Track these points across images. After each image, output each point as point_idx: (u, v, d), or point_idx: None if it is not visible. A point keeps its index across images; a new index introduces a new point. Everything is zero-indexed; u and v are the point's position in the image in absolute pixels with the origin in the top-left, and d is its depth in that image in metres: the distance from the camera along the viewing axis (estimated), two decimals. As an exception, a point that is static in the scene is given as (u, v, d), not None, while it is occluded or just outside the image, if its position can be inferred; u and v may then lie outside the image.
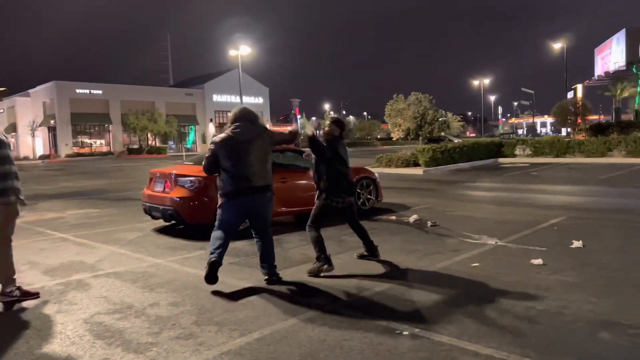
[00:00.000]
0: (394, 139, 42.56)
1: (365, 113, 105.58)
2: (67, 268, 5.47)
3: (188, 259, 5.75)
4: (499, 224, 7.21)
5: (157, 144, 52.56)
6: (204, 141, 56.38)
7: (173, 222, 7.51)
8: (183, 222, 7.34)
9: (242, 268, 5.27)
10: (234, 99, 52.02)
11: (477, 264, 5.13)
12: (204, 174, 7.01)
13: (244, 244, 6.39)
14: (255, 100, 63.27)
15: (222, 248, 4.59)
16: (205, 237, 6.77)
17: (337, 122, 5.43)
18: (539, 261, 5.07)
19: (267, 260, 4.77)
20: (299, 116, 66.69)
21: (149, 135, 52.18)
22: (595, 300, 3.90)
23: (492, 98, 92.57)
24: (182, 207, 6.93)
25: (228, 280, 4.76)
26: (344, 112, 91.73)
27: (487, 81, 66.80)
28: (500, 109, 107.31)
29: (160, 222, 7.79)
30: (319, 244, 5.01)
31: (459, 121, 67.88)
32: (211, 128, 58.54)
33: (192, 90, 58.80)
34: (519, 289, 4.26)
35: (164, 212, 7.12)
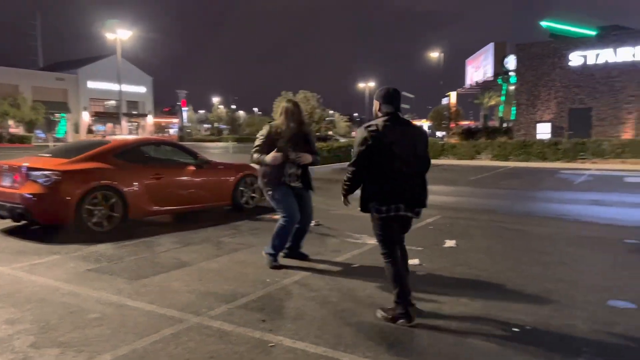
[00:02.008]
0: (282, 136, 42.56)
1: (255, 109, 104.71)
2: None
3: (37, 266, 4.98)
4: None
5: (22, 133, 47.18)
6: (76, 131, 51.78)
7: (24, 222, 6.56)
8: (36, 222, 6.45)
9: (100, 275, 4.66)
10: (112, 86, 48.36)
11: (357, 265, 5.07)
12: (62, 168, 6.23)
13: (107, 247, 5.74)
14: (136, 90, 59.63)
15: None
16: (63, 240, 6.03)
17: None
18: (415, 261, 5.13)
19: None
20: (185, 108, 64.09)
21: (11, 122, 46.64)
22: (466, 301, 3.99)
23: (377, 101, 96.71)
24: (35, 205, 6.05)
25: (82, 291, 4.17)
26: (234, 106, 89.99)
27: (372, 84, 69.58)
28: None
29: (8, 222, 6.76)
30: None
31: (346, 121, 69.88)
32: (85, 117, 54.01)
33: (63, 75, 53.62)
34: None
35: (12, 211, 6.17)
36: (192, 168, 7.59)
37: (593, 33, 29.08)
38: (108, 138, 7.71)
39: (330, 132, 43.83)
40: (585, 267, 5.07)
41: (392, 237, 3.67)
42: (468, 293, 4.19)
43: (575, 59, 27.49)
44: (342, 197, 3.89)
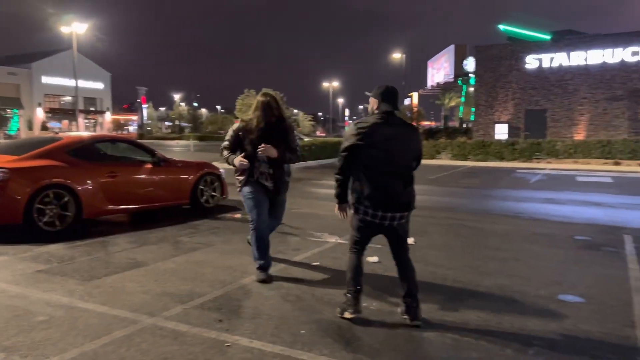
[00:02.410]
0: (245, 135, 42.20)
1: (218, 107, 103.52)
2: None
3: (-18, 268, 4.75)
4: (340, 221, 7.28)
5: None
6: (30, 128, 49.80)
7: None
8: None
9: (51, 277, 4.49)
10: (68, 82, 46.75)
11: (317, 263, 5.06)
12: (11, 165, 5.96)
13: (58, 247, 5.54)
14: (94, 86, 57.92)
15: None
16: (12, 240, 5.75)
17: None
18: (374, 259, 5.17)
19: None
20: (144, 105, 62.71)
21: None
22: (422, 298, 4.03)
23: (341, 100, 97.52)
24: (-21, 205, 5.77)
25: (30, 293, 4.01)
26: (196, 104, 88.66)
27: (336, 84, 69.96)
28: (347, 111, 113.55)
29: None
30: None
31: (310, 120, 69.94)
32: (39, 113, 52.04)
33: (15, 69, 51.47)
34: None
35: (-45, 211, 5.87)
36: (149, 166, 7.41)
37: (548, 37, 30.16)
38: (61, 135, 7.43)
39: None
40: (538, 263, 5.23)
41: (365, 239, 3.59)
42: (425, 290, 4.24)
43: (531, 61, 28.38)
44: (336, 206, 3.60)
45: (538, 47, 28.58)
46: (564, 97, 27.54)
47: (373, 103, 3.52)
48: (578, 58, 27.07)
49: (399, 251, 3.62)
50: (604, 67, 26.53)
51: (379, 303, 3.92)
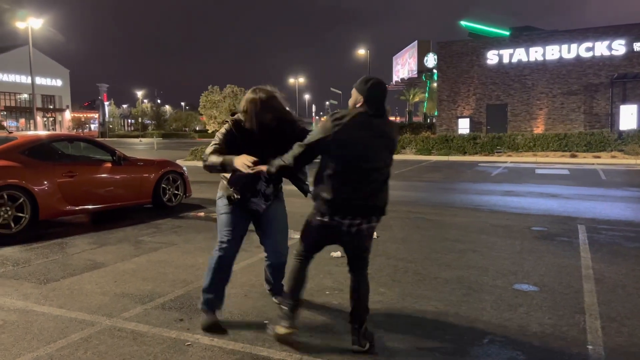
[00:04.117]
0: (209, 132, 41.75)
1: (183, 103, 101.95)
2: None
3: None
4: (304, 217, 7.34)
5: None
6: (-14, 127, 47.93)
7: None
8: None
9: (4, 280, 4.37)
10: (25, 79, 45.18)
11: (281, 260, 5.07)
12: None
13: (14, 250, 5.38)
14: (52, 83, 56.18)
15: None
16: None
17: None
18: (337, 254, 5.22)
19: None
20: (106, 102, 61.18)
21: None
22: (383, 291, 4.11)
23: (307, 96, 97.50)
24: None
25: (-18, 298, 3.88)
26: (159, 101, 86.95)
27: (302, 80, 69.89)
28: (314, 107, 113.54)
29: None
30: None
31: (276, 116, 69.01)
32: (-5, 112, 50.13)
33: (-32, 65, 49.46)
34: (317, 284, 4.29)
35: None
36: (109, 165, 7.26)
37: (507, 33, 30.92)
38: (15, 134, 7.19)
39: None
40: (495, 253, 5.39)
41: (318, 244, 3.18)
42: (385, 283, 4.33)
43: (492, 57, 29.05)
44: (269, 167, 3.06)
45: (498, 43, 29.27)
46: (523, 92, 28.33)
47: (356, 97, 2.94)
48: (536, 54, 27.88)
49: (359, 262, 3.21)
50: (560, 63, 27.42)
51: (339, 297, 3.96)
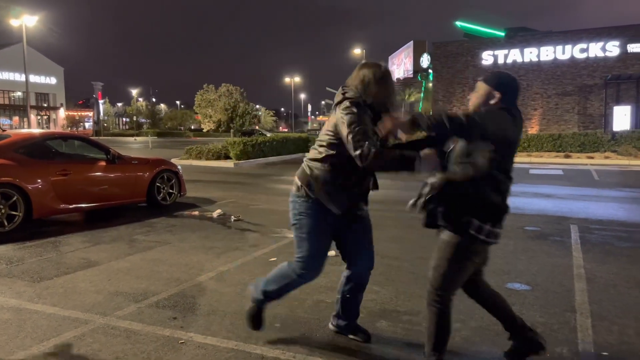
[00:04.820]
0: (204, 130, 41.73)
1: (178, 102, 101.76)
2: None
3: None
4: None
5: None
6: (-21, 125, 47.67)
7: None
8: None
9: (-2, 279, 4.35)
10: (19, 77, 44.97)
11: (275, 259, 5.08)
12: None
13: (7, 248, 5.37)
14: (46, 81, 55.92)
15: None
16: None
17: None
18: (332, 253, 5.21)
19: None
20: (101, 101, 60.94)
21: None
22: (377, 289, 4.13)
23: (303, 96, 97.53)
24: None
25: (-25, 296, 3.87)
26: (154, 99, 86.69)
27: (298, 79, 69.87)
28: (309, 107, 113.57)
29: None
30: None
31: (272, 116, 69.62)
32: (-11, 110, 49.84)
33: (-38, 63, 49.16)
34: (311, 282, 4.29)
35: None
36: (103, 163, 7.25)
37: (502, 34, 31.06)
38: (9, 132, 7.17)
39: (256, 127, 43.48)
40: (489, 253, 5.41)
41: (466, 276, 2.71)
42: (379, 281, 4.34)
43: (487, 58, 29.18)
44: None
45: (493, 43, 29.40)
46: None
47: (487, 92, 2.57)
48: (531, 55, 28.02)
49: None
50: (555, 64, 27.57)
51: (333, 296, 3.97)
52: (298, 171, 2.97)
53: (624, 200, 9.40)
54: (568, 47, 27.23)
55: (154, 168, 7.95)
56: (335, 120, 2.73)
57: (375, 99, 2.71)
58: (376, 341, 3.16)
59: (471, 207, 2.48)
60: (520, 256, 5.28)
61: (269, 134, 30.99)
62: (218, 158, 18.73)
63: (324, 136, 2.82)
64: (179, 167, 8.68)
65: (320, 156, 2.81)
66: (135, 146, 33.67)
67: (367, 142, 2.52)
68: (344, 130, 2.61)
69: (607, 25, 28.57)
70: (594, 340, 3.18)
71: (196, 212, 7.81)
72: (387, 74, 2.78)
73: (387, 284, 4.29)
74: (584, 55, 26.95)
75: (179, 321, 3.42)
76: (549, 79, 27.67)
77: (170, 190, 8.26)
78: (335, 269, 4.70)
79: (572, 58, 27.16)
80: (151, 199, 7.87)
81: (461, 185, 2.47)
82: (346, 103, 2.68)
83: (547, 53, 27.67)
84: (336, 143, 2.71)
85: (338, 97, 2.80)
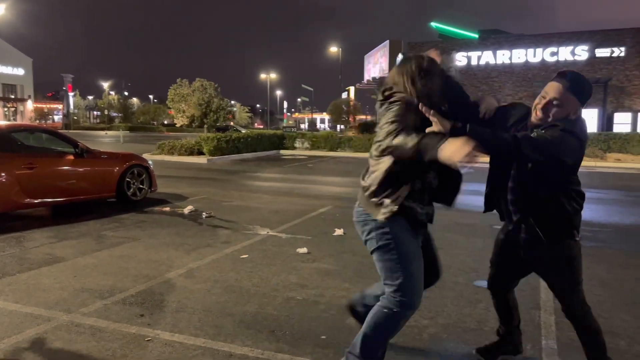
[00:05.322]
0: (177, 126, 41.18)
1: (151, 96, 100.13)
2: None
3: None
4: (272, 213, 7.35)
5: None
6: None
7: None
8: None
9: (-43, 275, 4.20)
10: (-15, 67, 43.52)
11: (246, 256, 5.05)
12: None
13: (-32, 243, 5.19)
14: (14, 72, 54.28)
15: None
16: None
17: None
18: (304, 250, 5.24)
19: None
20: (71, 93, 59.51)
21: None
22: (348, 287, 4.15)
23: (279, 93, 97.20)
24: None
25: None
26: (127, 93, 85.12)
27: (274, 76, 69.53)
28: (285, 104, 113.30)
29: None
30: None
31: (247, 112, 69.13)
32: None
33: None
34: (283, 279, 4.29)
35: None
36: (72, 157, 7.08)
37: (475, 36, 31.58)
38: (-29, 123, 6.92)
39: (231, 123, 43.14)
40: (459, 251, 5.50)
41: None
42: (350, 278, 4.36)
43: (460, 59, 29.59)
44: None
45: (467, 44, 29.85)
46: (489, 93, 28.86)
47: (566, 99, 2.34)
48: (503, 57, 28.56)
49: None
50: (526, 66, 28.16)
51: (304, 293, 3.97)
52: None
53: (589, 201, 9.61)
54: (539, 51, 27.85)
55: (124, 163, 7.81)
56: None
57: (423, 92, 2.38)
58: (345, 338, 3.17)
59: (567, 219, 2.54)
60: (488, 254, 5.30)
61: (243, 130, 30.78)
62: (191, 154, 18.50)
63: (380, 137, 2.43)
64: (150, 162, 8.54)
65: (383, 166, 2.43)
66: (106, 140, 32.99)
67: (402, 132, 2.21)
68: (386, 131, 2.30)
69: (577, 30, 29.33)
70: (557, 337, 3.26)
71: (167, 208, 7.70)
72: (433, 65, 2.47)
73: (358, 281, 4.31)
74: (554, 59, 27.60)
75: (146, 318, 3.36)
76: (520, 81, 28.25)
77: (141, 186, 8.12)
78: (306, 266, 4.70)
79: (543, 61, 27.78)
80: (121, 194, 7.72)
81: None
82: (387, 104, 2.41)
83: (519, 56, 28.24)
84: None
85: (378, 97, 2.52)
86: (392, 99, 2.38)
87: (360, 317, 2.78)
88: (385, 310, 2.44)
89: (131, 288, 3.97)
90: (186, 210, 7.39)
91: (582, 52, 27.14)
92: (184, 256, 4.96)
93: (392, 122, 2.28)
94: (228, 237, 5.87)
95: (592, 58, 26.96)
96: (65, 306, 3.55)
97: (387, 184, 2.40)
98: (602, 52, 26.91)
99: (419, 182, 2.41)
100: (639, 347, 3.14)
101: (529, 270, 2.80)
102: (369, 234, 2.51)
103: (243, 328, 3.25)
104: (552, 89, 2.36)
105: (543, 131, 2.33)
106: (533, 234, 2.53)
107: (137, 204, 7.85)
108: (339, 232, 6.12)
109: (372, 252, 2.54)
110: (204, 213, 7.20)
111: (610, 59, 26.91)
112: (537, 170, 2.40)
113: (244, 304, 3.70)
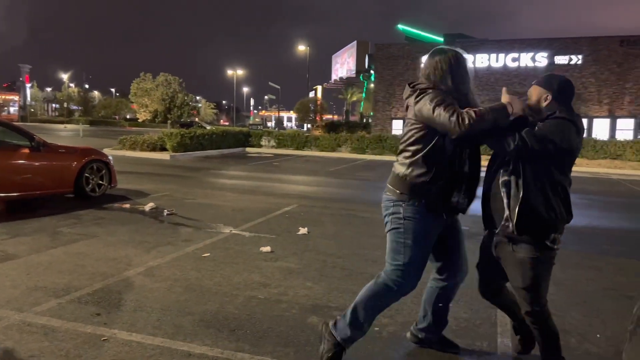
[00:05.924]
0: (140, 121, 40.27)
1: (113, 90, 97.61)
2: None
3: None
4: (236, 212, 7.28)
5: None
6: None
7: None
8: None
9: None
10: None
11: (208, 254, 4.98)
12: None
13: None
14: (-33, 60, 51.75)
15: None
16: None
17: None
18: (267, 249, 5.21)
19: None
20: (28, 84, 57.43)
21: None
22: (310, 285, 4.15)
23: (246, 90, 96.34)
24: None
25: None
26: (87, 86, 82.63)
27: (240, 72, 68.81)
28: (252, 101, 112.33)
29: None
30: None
31: (213, 108, 68.32)
32: None
33: None
34: (245, 278, 4.26)
35: None
36: (27, 151, 6.82)
37: (441, 39, 32.17)
38: None
39: (196, 119, 42.48)
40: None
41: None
42: (312, 277, 4.37)
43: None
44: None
45: (432, 48, 30.37)
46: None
47: (540, 95, 2.56)
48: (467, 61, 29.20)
49: None
50: (489, 71, 28.87)
51: (266, 292, 3.95)
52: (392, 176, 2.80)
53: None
54: (501, 56, 28.61)
55: (82, 157, 7.58)
56: (413, 114, 2.56)
57: (452, 86, 2.61)
58: (307, 337, 3.17)
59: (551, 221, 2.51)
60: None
61: (208, 127, 30.39)
62: (153, 149, 18.14)
63: (407, 136, 2.65)
64: (110, 157, 8.32)
65: (413, 157, 2.60)
66: (65, 134, 31.95)
67: (457, 107, 2.39)
68: (428, 110, 2.43)
69: (537, 37, 30.27)
70: (512, 335, 3.35)
71: (127, 205, 7.51)
72: (460, 58, 2.73)
73: (320, 279, 4.32)
74: (515, 65, 28.41)
75: (102, 317, 3.27)
76: (484, 85, 28.92)
77: (100, 182, 7.90)
78: (269, 265, 4.68)
79: (505, 66, 28.56)
80: (79, 189, 7.49)
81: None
82: (418, 92, 2.58)
83: (482, 60, 28.92)
84: (425, 133, 2.52)
85: (406, 92, 2.69)
86: (419, 90, 2.58)
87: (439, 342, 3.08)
88: (379, 285, 2.71)
89: (87, 286, 3.85)
90: (147, 208, 7.23)
91: (542, 59, 28.03)
92: (143, 254, 4.85)
93: (439, 102, 2.43)
94: (190, 235, 5.78)
95: (551, 65, 27.88)
96: (17, 305, 3.42)
97: (422, 166, 2.55)
98: (561, 60, 27.87)
99: (453, 167, 2.56)
100: (588, 344, 3.26)
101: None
102: (387, 216, 2.74)
103: (203, 327, 3.21)
104: (534, 92, 2.59)
105: (541, 124, 2.47)
106: (506, 232, 2.60)
107: (96, 200, 7.64)
108: (303, 230, 6.12)
109: (386, 233, 2.75)
110: (165, 210, 7.07)
111: (568, 66, 27.89)
112: (537, 169, 2.48)
113: (205, 303, 3.65)
